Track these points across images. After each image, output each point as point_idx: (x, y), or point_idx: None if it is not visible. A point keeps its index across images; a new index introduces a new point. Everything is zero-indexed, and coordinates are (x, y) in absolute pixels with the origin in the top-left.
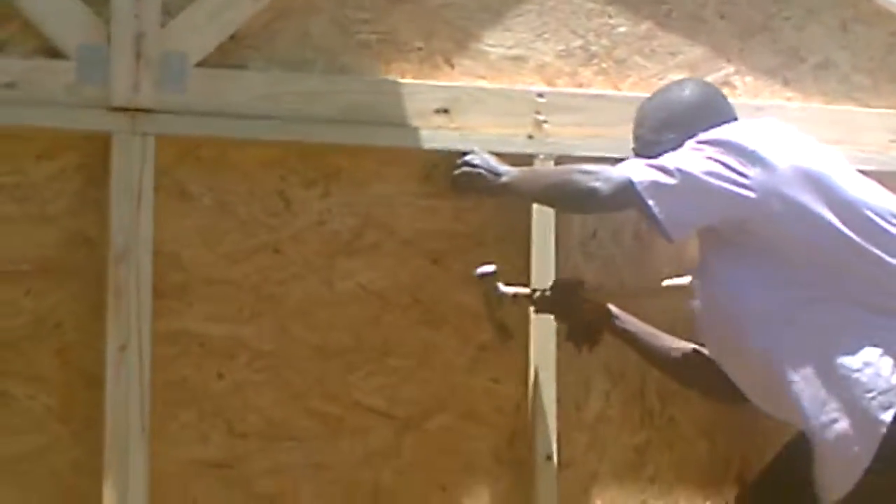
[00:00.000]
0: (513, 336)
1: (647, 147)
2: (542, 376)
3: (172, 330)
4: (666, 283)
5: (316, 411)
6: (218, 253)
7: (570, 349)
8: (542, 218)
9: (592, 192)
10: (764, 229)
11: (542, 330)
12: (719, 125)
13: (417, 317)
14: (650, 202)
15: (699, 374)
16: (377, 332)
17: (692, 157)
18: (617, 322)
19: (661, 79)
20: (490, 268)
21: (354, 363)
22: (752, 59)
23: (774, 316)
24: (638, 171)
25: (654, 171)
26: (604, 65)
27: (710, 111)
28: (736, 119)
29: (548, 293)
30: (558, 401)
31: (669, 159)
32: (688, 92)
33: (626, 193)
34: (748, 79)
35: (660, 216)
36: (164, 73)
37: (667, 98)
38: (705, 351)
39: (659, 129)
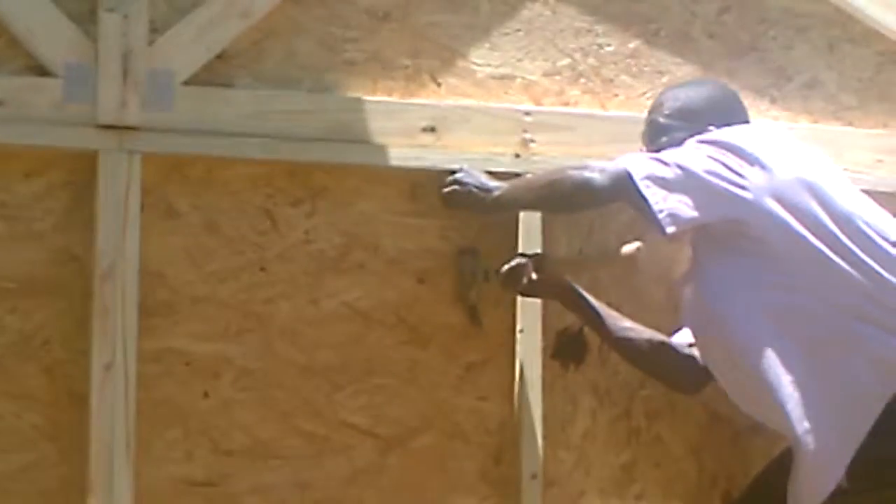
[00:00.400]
0: (481, 321)
1: (656, 131)
2: (528, 395)
3: (158, 348)
4: (625, 249)
5: (301, 430)
6: (204, 271)
7: (557, 367)
8: (529, 235)
9: (588, 183)
10: (759, 232)
11: (529, 348)
12: (731, 125)
13: (403, 336)
14: (646, 194)
15: (656, 359)
16: (363, 351)
17: (692, 155)
18: (578, 298)
19: (648, 98)
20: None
21: (340, 382)
22: (740, 78)
23: (763, 320)
24: (635, 162)
25: (652, 163)
26: (591, 84)
27: (725, 110)
28: (748, 123)
29: (512, 267)
30: (544, 419)
31: (669, 155)
32: (707, 87)
33: (623, 184)
34: None
35: (655, 208)
36: (152, 91)
37: (686, 89)
38: (664, 338)
39: (672, 116)
